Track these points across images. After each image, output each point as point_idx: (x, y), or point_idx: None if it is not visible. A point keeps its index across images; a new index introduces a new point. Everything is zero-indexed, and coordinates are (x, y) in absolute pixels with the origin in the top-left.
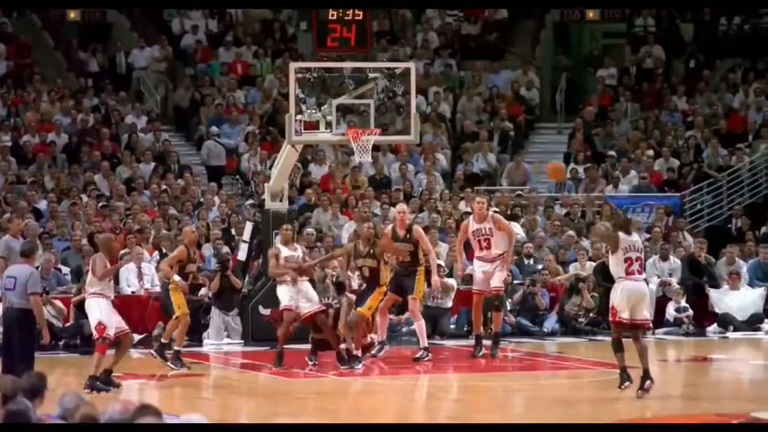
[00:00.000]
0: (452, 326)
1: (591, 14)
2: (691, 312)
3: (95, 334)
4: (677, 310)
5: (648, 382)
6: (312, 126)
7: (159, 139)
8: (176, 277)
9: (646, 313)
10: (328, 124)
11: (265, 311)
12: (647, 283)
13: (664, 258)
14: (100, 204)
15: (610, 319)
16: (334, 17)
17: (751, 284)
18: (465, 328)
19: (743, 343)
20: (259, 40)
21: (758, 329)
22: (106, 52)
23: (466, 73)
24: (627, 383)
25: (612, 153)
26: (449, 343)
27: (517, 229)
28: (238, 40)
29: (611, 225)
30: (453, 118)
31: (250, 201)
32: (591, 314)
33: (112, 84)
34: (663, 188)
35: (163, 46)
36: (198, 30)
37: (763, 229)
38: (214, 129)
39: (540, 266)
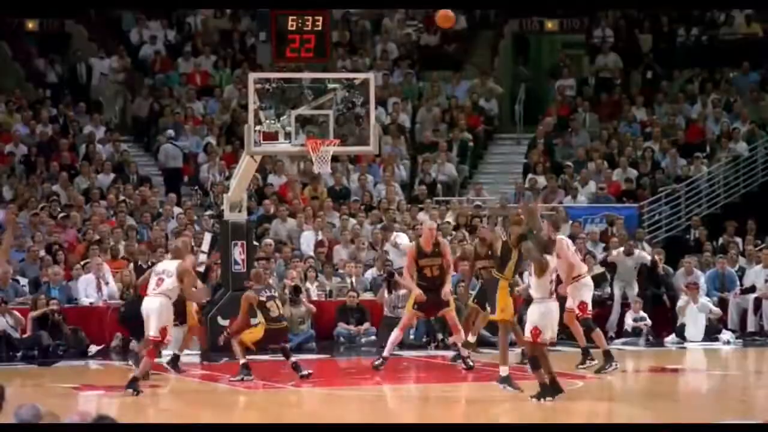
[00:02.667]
0: (411, 337)
1: (550, 25)
2: (649, 322)
3: (157, 337)
4: (635, 319)
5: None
6: (271, 137)
7: (118, 149)
8: (199, 283)
9: (555, 331)
10: (287, 135)
11: (224, 321)
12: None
13: (628, 253)
14: (60, 215)
15: (531, 340)
16: (293, 28)
17: (708, 295)
18: (424, 339)
19: (701, 354)
20: (218, 51)
21: (716, 339)
22: (65, 62)
23: (425, 83)
24: (548, 398)
25: (570, 163)
26: (408, 353)
27: (400, 239)
28: (197, 51)
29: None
30: (412, 129)
31: (209, 212)
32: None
33: (70, 94)
34: (621, 199)
35: (122, 57)
36: (157, 40)
37: (721, 240)
38: (170, 132)
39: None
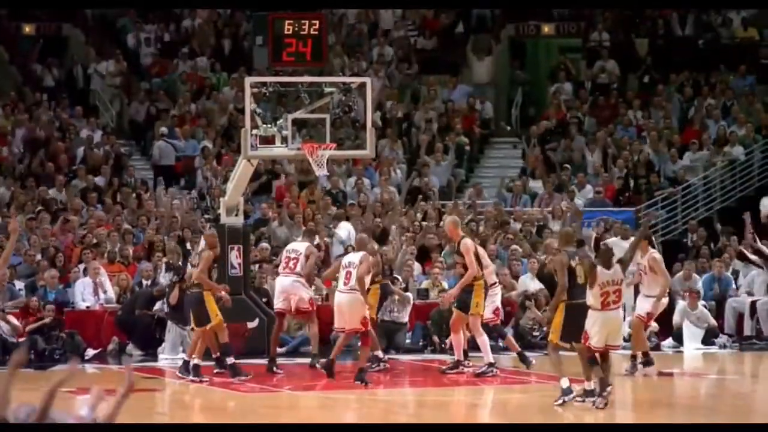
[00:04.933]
0: (408, 341)
1: (546, 29)
2: (655, 326)
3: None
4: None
5: (607, 391)
6: (268, 140)
7: (114, 152)
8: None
9: (619, 341)
10: (284, 139)
11: None
12: (624, 308)
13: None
14: (60, 219)
15: (582, 342)
16: (290, 32)
17: (705, 299)
18: (420, 343)
19: (698, 358)
20: (214, 54)
21: (712, 343)
22: (62, 66)
23: (422, 87)
24: (609, 388)
25: (567, 166)
26: (405, 357)
27: (339, 229)
28: (193, 54)
29: (589, 262)
30: (409, 133)
31: (206, 215)
32: (545, 328)
33: (67, 98)
34: (618, 202)
35: (119, 60)
36: (153, 43)
37: (718, 244)
38: (164, 129)
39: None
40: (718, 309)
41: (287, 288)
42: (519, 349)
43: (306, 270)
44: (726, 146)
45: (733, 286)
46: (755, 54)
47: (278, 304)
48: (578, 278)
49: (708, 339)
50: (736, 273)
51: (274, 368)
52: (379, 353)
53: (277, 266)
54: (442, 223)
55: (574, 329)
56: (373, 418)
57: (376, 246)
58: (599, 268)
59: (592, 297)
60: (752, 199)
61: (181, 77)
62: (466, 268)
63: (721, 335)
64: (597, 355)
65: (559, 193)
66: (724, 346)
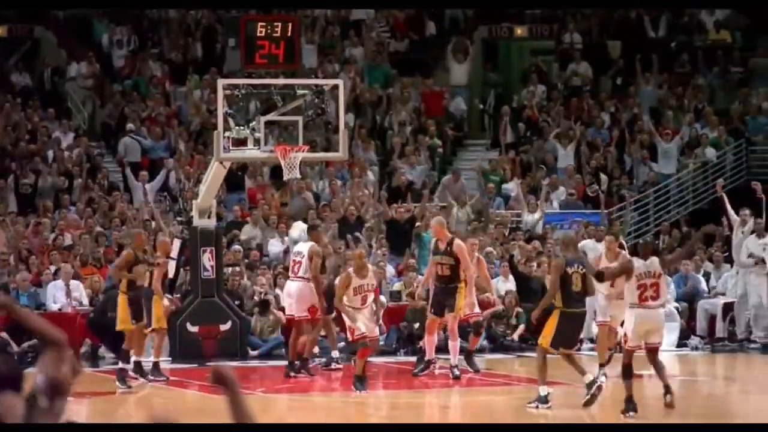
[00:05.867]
0: (381, 343)
1: (519, 31)
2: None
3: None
4: None
5: (669, 396)
6: (240, 143)
7: (86, 155)
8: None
9: (658, 339)
10: (257, 141)
11: (193, 328)
12: (663, 306)
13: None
14: (33, 221)
15: (622, 344)
16: (263, 34)
17: (676, 300)
18: (394, 345)
19: (669, 359)
20: (187, 56)
21: (684, 345)
22: (34, 68)
23: (395, 89)
24: (631, 413)
25: (542, 166)
26: (379, 359)
27: (293, 229)
28: (165, 56)
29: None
30: (382, 135)
31: (178, 218)
32: (519, 331)
33: (39, 100)
34: (591, 204)
35: (91, 62)
36: (125, 45)
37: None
38: (130, 126)
39: None
40: (690, 311)
41: (291, 293)
42: (473, 350)
43: (312, 272)
44: (698, 148)
45: (704, 287)
46: (728, 56)
47: (287, 310)
48: (574, 286)
49: (680, 341)
50: (707, 275)
51: (292, 373)
52: (335, 353)
53: (287, 269)
54: (418, 225)
55: (565, 337)
56: (345, 420)
57: (325, 240)
58: (635, 259)
59: (628, 292)
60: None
61: (153, 79)
62: (451, 269)
63: (693, 337)
64: (632, 361)
65: (533, 194)
66: (696, 348)
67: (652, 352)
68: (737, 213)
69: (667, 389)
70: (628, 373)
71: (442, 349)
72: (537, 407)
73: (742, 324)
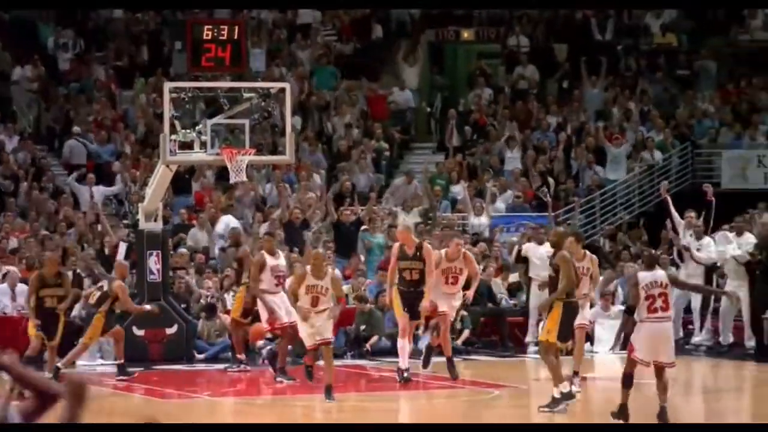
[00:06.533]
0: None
1: (466, 34)
2: None
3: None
4: None
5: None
6: (187, 146)
7: (32, 158)
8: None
9: (667, 359)
10: (203, 144)
11: (140, 332)
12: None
13: (540, 242)
14: None
15: (627, 352)
16: (209, 37)
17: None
18: (342, 348)
19: (611, 361)
20: (133, 59)
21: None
22: None
23: (341, 92)
24: (619, 421)
25: (488, 170)
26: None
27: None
28: (111, 58)
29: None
30: (329, 138)
31: (124, 221)
32: (464, 335)
33: None
34: (538, 207)
35: (36, 66)
36: (71, 49)
37: (633, 249)
38: (76, 129)
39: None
40: None
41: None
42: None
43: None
44: (644, 151)
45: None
46: (674, 59)
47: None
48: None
49: (625, 343)
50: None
51: (278, 378)
52: (242, 356)
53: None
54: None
55: (566, 328)
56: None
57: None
58: (640, 271)
59: (636, 307)
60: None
61: (98, 83)
62: (420, 273)
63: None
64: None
65: (480, 198)
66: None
67: (661, 371)
68: (682, 216)
69: (663, 411)
70: (628, 382)
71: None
72: (566, 406)
73: (679, 327)
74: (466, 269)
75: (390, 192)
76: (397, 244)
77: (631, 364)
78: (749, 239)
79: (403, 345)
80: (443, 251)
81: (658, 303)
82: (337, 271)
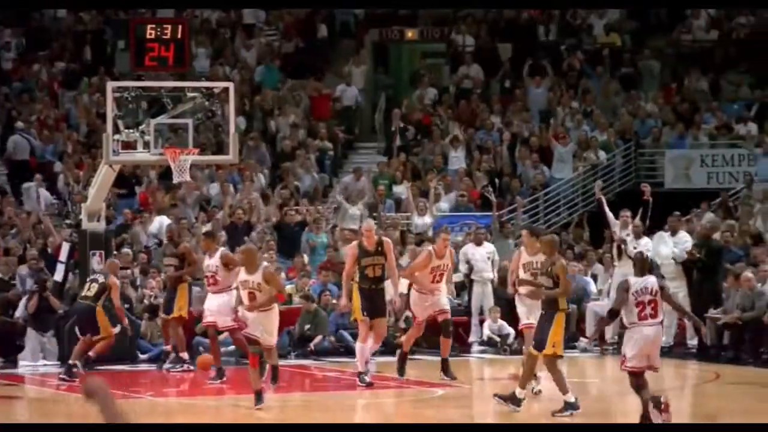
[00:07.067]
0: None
1: (410, 34)
2: (510, 331)
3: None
4: (493, 330)
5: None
6: (130, 146)
7: None
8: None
9: (658, 363)
10: (146, 144)
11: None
12: (662, 325)
13: (478, 243)
14: None
15: (621, 367)
16: (152, 36)
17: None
18: (286, 348)
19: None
20: (76, 58)
21: (573, 347)
22: None
23: (285, 92)
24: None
25: (432, 170)
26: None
27: None
28: (54, 58)
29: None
30: (273, 137)
31: (67, 221)
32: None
33: None
34: (482, 207)
35: None
36: (14, 49)
37: (577, 248)
38: (20, 124)
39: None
40: (578, 313)
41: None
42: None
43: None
44: (587, 151)
45: (592, 288)
46: (617, 59)
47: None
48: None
49: (569, 342)
50: (595, 277)
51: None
52: (185, 354)
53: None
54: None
55: (564, 336)
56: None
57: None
58: (630, 278)
59: (626, 313)
60: (613, 204)
61: (40, 82)
62: (382, 269)
63: (581, 339)
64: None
65: (424, 198)
66: (585, 350)
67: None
68: (617, 216)
69: (645, 419)
70: (639, 388)
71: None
72: (571, 414)
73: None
74: (450, 265)
75: (339, 190)
76: (354, 243)
77: (632, 377)
78: (684, 238)
79: (362, 348)
80: (430, 248)
81: (648, 310)
82: (269, 265)
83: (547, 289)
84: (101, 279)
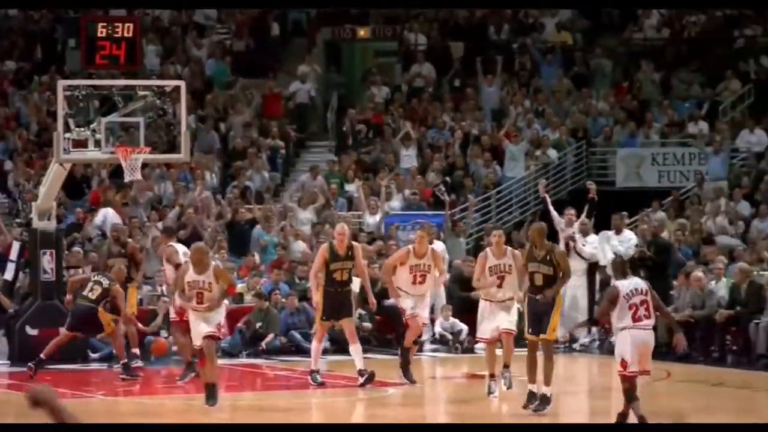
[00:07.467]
0: (225, 345)
1: (362, 32)
2: (463, 327)
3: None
4: (444, 328)
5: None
6: (81, 144)
7: None
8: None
9: (650, 366)
10: (97, 143)
11: (33, 331)
12: (655, 328)
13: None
14: None
15: (620, 372)
16: (103, 34)
17: None
18: (238, 347)
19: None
20: (26, 56)
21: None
22: None
23: (237, 90)
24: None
25: (384, 169)
26: (222, 362)
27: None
28: (5, 56)
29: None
30: (225, 136)
31: (17, 220)
32: (363, 332)
33: None
34: (434, 206)
35: None
36: None
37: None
38: None
39: (311, 284)
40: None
41: None
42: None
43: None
44: (539, 149)
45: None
46: (569, 58)
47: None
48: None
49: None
50: None
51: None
52: (136, 350)
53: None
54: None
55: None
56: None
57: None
58: (617, 282)
59: (620, 317)
60: (565, 203)
61: None
62: (349, 273)
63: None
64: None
65: (376, 196)
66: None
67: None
68: (561, 214)
69: (623, 417)
70: (631, 395)
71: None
72: (544, 408)
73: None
74: (434, 266)
75: (291, 193)
76: (325, 245)
77: (629, 382)
78: (628, 236)
79: (317, 347)
80: (410, 247)
81: (641, 311)
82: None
83: (546, 276)
84: (105, 283)
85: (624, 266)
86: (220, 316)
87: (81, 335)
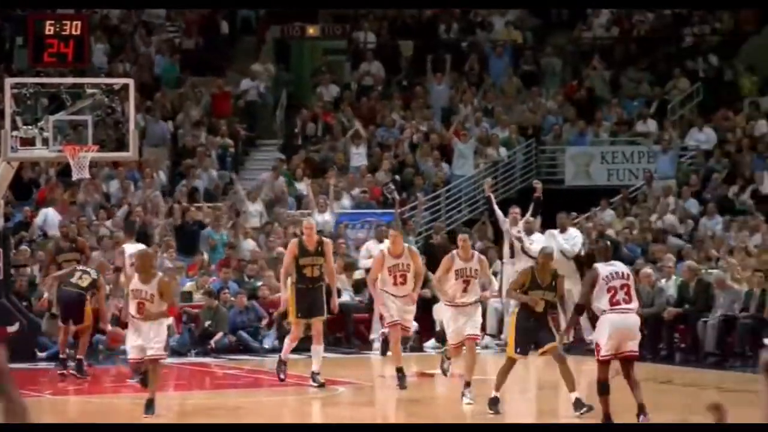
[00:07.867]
0: (173, 343)
1: (311, 30)
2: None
3: None
4: None
5: (642, 417)
6: (29, 142)
7: None
8: None
9: (634, 347)
10: (45, 141)
11: None
12: (638, 312)
13: (380, 240)
14: None
15: (595, 357)
16: (51, 32)
17: None
18: (186, 346)
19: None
20: None
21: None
22: None
23: (186, 88)
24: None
25: (332, 168)
26: (171, 360)
27: None
28: None
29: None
30: (174, 134)
31: None
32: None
33: None
34: (384, 204)
35: None
36: None
37: (479, 245)
38: None
39: (260, 283)
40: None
41: None
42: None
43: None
44: (489, 148)
45: (495, 286)
46: (519, 56)
47: None
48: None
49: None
50: (495, 273)
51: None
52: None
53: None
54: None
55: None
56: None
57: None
58: (598, 265)
59: (597, 300)
60: (514, 202)
61: None
62: (320, 269)
63: (484, 336)
64: (610, 375)
65: (326, 195)
66: (487, 347)
67: (629, 362)
68: (505, 214)
69: (641, 409)
70: (604, 389)
71: (249, 349)
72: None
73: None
74: (413, 265)
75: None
76: (295, 240)
77: (602, 369)
78: (573, 234)
79: (289, 343)
80: (383, 249)
81: (620, 295)
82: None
83: (549, 303)
84: (93, 274)
85: (607, 251)
86: (161, 336)
87: (72, 326)
